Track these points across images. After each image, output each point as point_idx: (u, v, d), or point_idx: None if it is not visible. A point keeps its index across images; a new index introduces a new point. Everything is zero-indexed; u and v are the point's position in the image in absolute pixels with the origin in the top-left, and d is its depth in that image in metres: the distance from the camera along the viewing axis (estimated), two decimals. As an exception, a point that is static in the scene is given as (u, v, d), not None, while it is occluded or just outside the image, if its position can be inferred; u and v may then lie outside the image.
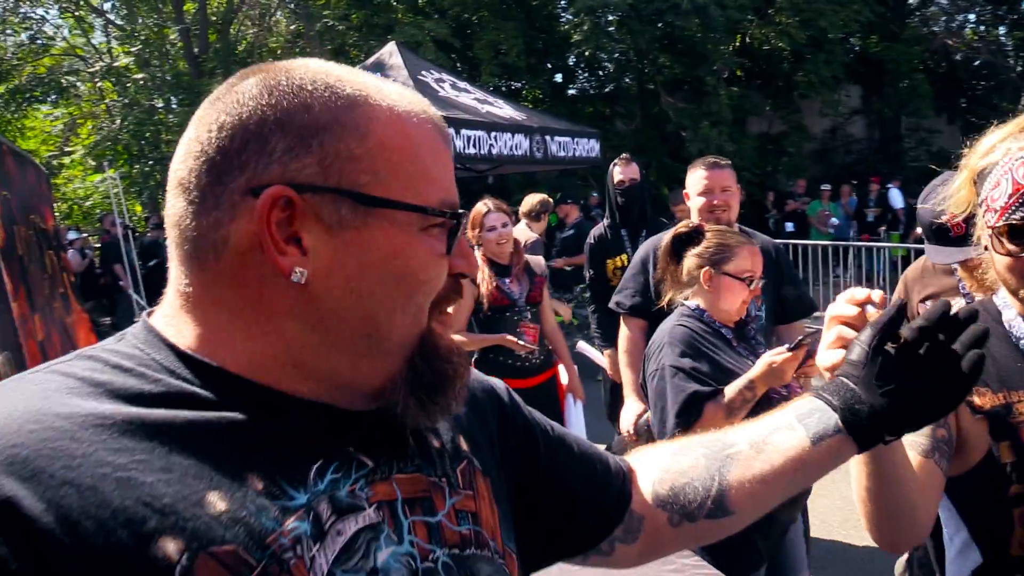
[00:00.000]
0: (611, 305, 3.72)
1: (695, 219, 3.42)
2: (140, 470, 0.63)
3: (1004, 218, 1.28)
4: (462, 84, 10.01)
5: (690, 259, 2.54)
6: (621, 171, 4.72)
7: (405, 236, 0.72)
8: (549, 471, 0.99)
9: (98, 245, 14.60)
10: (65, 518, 0.59)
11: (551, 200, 7.65)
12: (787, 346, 2.32)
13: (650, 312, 3.44)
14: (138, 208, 19.08)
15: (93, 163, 18.86)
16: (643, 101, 17.18)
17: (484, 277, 4.13)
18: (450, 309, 0.81)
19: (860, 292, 1.03)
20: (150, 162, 17.02)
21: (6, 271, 3.89)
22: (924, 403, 0.96)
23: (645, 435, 3.27)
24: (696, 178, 3.40)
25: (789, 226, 13.72)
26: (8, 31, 20.06)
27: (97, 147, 18.07)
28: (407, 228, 0.72)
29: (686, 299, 2.56)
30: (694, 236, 2.56)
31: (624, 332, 3.62)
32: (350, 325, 0.72)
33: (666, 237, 2.64)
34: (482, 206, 4.21)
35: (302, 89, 0.71)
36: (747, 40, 17.09)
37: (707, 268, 2.48)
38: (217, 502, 0.64)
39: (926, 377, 0.95)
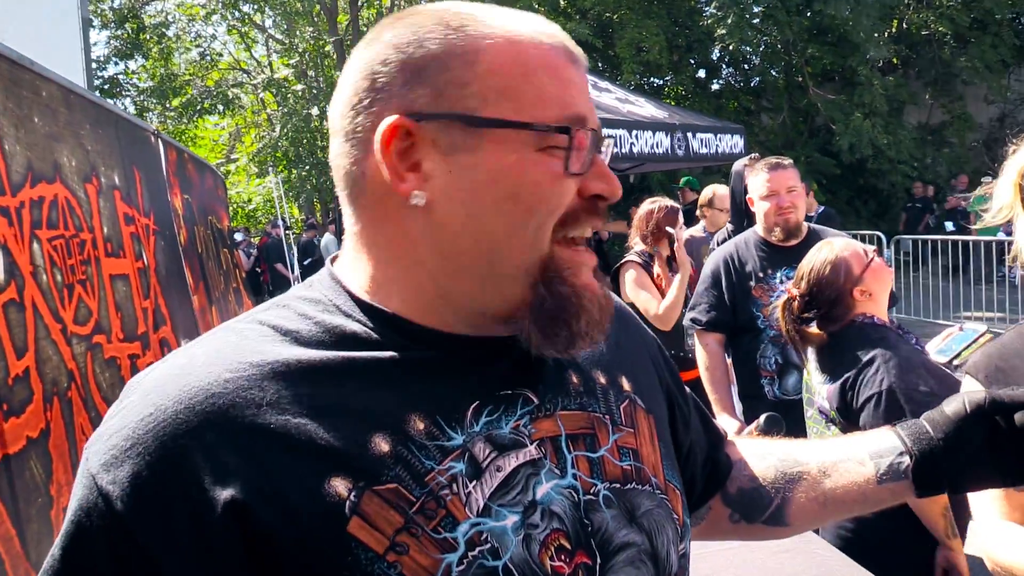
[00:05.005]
0: (686, 322, 3.56)
1: (760, 224, 3.31)
2: (315, 414, 0.70)
3: None
4: (603, 84, 10.07)
5: (834, 306, 2.38)
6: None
7: (516, 155, 0.73)
8: (679, 431, 1.04)
9: (253, 248, 15.61)
10: (253, 460, 0.67)
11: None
12: None
13: (726, 326, 3.36)
14: (295, 211, 20.23)
15: (256, 169, 20.19)
16: (790, 94, 16.61)
17: None
18: (583, 233, 0.79)
19: None
20: (306, 167, 18.03)
21: (187, 267, 4.30)
22: (997, 474, 0.95)
23: None
24: (759, 181, 3.26)
25: (949, 225, 12.92)
26: (182, 49, 21.77)
27: (259, 154, 19.33)
28: (518, 147, 0.73)
29: (866, 318, 2.37)
30: (808, 298, 2.40)
31: (701, 349, 3.43)
32: (471, 247, 0.75)
33: (782, 322, 2.45)
34: None
35: (419, 28, 0.76)
36: (904, 26, 16.23)
37: (856, 288, 2.36)
38: (381, 444, 0.70)
39: (1013, 455, 0.93)
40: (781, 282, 3.23)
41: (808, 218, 4.91)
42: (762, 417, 3.00)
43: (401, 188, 0.74)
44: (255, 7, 20.47)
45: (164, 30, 21.05)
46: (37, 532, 1.83)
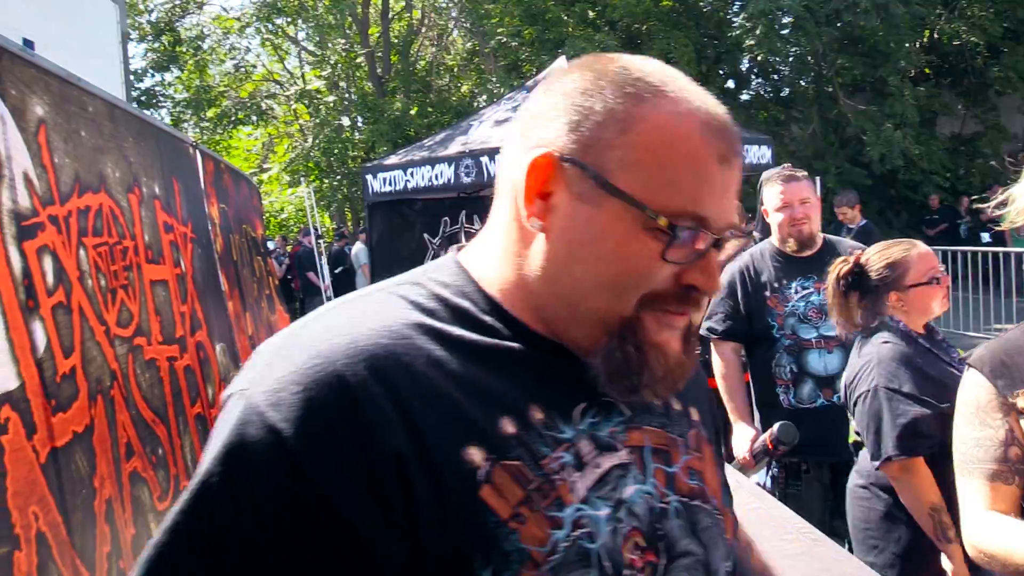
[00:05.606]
0: (702, 332, 3.49)
1: (775, 235, 3.36)
2: (457, 387, 0.79)
3: None
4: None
5: (872, 293, 2.45)
6: None
7: (626, 227, 0.80)
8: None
9: (284, 255, 15.79)
10: (406, 418, 0.75)
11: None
12: None
13: (742, 335, 3.41)
14: (326, 220, 20.44)
15: (288, 179, 20.46)
16: (820, 104, 16.52)
17: None
18: (690, 317, 0.85)
19: None
20: (338, 177, 18.25)
21: (223, 274, 4.42)
22: None
23: (762, 458, 3.16)
24: (773, 193, 3.29)
25: (985, 236, 12.73)
26: (217, 62, 22.14)
27: (292, 164, 19.60)
28: (630, 220, 0.80)
29: (893, 321, 2.42)
30: (857, 271, 2.47)
31: (718, 359, 3.47)
32: (564, 283, 0.83)
33: (829, 280, 2.53)
34: None
35: (599, 79, 0.84)
36: (934, 36, 16.10)
37: (892, 292, 2.40)
38: (508, 425, 0.79)
39: None
40: (796, 292, 3.28)
41: (849, 230, 4.92)
42: (776, 426, 3.04)
43: (527, 208, 0.84)
44: (288, 20, 20.78)
45: (199, 43, 21.44)
46: (81, 521, 1.94)
